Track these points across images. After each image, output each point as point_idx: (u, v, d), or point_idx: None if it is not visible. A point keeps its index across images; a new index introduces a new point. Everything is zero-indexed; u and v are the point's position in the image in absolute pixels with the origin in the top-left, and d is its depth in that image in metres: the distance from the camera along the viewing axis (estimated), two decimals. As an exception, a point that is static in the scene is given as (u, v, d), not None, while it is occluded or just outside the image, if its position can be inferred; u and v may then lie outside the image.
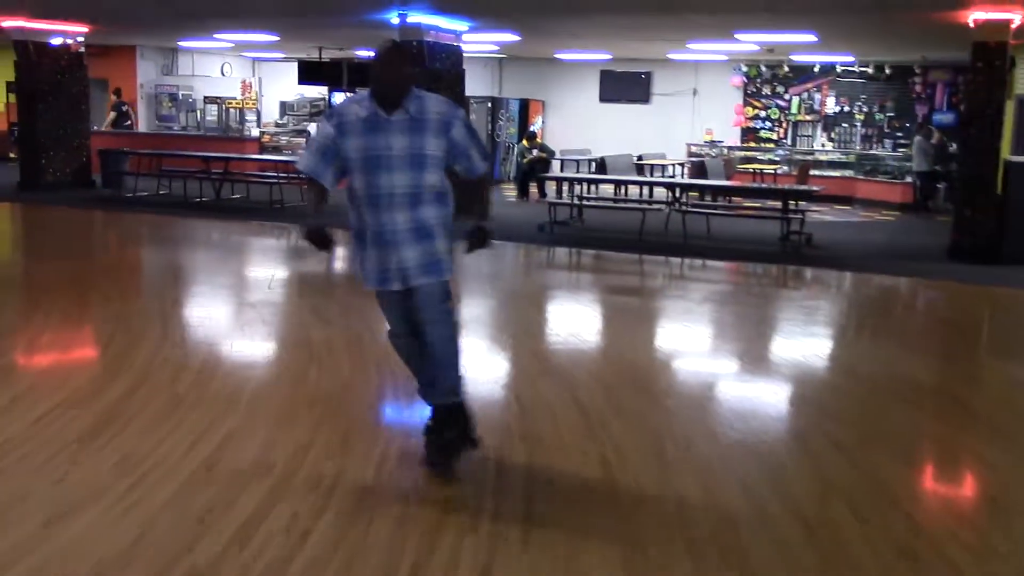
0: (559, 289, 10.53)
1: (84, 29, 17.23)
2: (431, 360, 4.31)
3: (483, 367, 6.33)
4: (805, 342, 7.68)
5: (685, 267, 11.34)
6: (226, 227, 13.61)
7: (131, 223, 14.15)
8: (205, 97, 22.04)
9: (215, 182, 16.01)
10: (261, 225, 13.66)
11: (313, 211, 4.38)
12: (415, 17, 13.65)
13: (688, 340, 7.66)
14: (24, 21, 16.30)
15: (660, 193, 14.74)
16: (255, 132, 20.93)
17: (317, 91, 23.29)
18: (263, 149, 20.05)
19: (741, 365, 6.92)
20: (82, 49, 17.49)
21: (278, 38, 18.97)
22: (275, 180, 15.56)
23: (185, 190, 16.09)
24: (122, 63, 22.74)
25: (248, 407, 5.26)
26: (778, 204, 13.60)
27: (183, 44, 22.00)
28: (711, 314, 8.91)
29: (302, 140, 20.07)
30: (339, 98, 21.81)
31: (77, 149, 17.49)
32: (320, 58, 20.91)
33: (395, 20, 13.82)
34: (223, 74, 24.35)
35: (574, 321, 8.34)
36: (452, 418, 4.38)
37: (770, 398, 6.07)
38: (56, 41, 16.91)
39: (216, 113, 21.65)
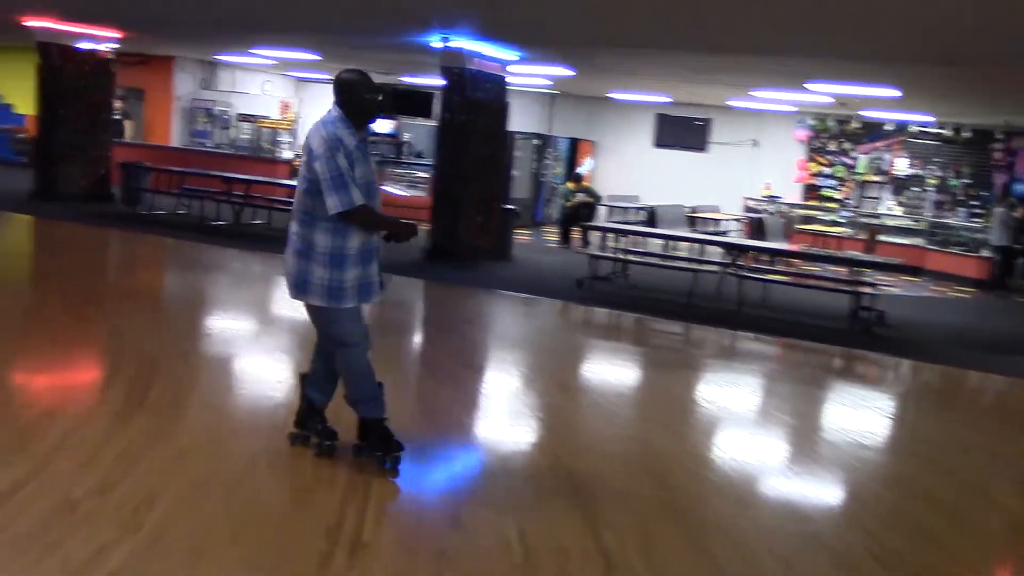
0: (591, 360, 9.18)
1: (116, 35, 16.33)
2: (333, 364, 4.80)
3: (481, 461, 5.06)
4: (884, 462, 6.28)
5: (738, 341, 9.96)
6: (233, 257, 12.48)
7: (131, 246, 13.11)
8: (239, 115, 21.08)
9: (235, 205, 14.93)
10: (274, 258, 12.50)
11: (396, 219, 4.82)
12: (458, 42, 12.51)
13: (732, 440, 6.28)
14: (51, 22, 15.42)
15: (713, 249, 13.40)
16: (287, 154, 19.89)
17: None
18: (293, 173, 18.99)
19: (791, 486, 5.54)
20: (110, 56, 16.57)
21: (320, 58, 17.97)
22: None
23: (203, 212, 15.03)
24: (159, 74, 21.94)
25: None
26: (844, 272, 12.17)
27: (222, 58, 21.11)
28: (767, 408, 7.53)
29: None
30: (385, 125, 20.84)
31: (96, 160, 16.53)
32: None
33: (437, 44, 12.69)
34: (263, 92, 23.46)
35: (600, 404, 7.02)
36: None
37: (815, 547, 4.67)
38: (83, 45, 16.00)
39: (249, 132, 20.67)
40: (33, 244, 13.18)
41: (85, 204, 15.85)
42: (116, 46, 17.98)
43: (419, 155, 21.18)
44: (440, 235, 13.12)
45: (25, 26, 15.62)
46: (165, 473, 4.52)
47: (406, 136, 21.54)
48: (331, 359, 4.74)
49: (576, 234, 16.92)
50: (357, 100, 4.47)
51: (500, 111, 13.52)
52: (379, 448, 4.74)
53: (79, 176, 16.22)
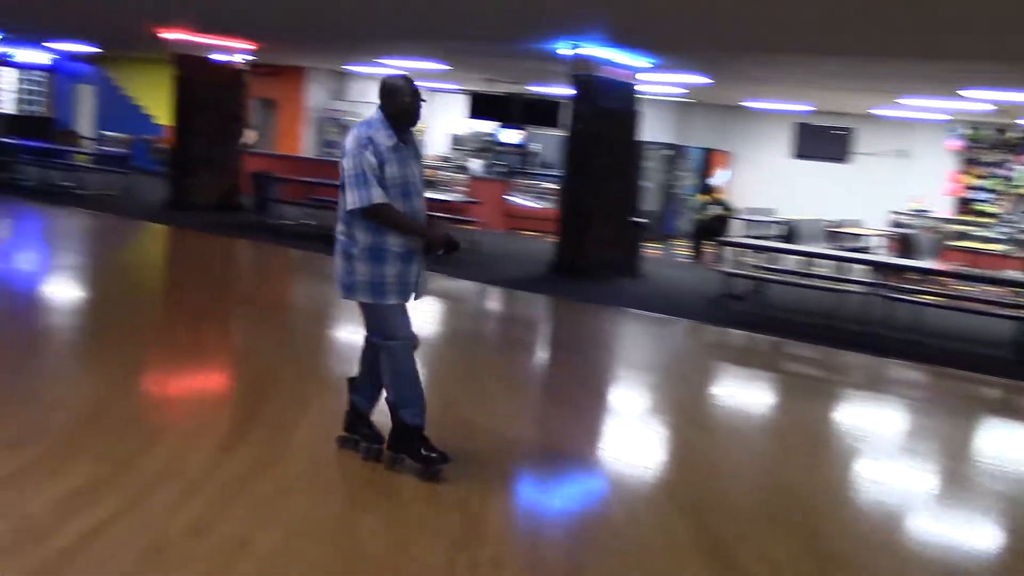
0: (726, 387, 8.54)
1: (250, 46, 16.52)
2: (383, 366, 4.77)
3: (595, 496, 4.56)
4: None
5: (886, 369, 9.15)
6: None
7: (256, 257, 13.10)
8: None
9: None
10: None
11: (422, 224, 4.69)
12: (588, 49, 12.04)
13: (885, 487, 5.58)
14: (187, 34, 15.67)
15: (856, 267, 12.53)
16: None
17: (488, 126, 22.10)
18: (420, 183, 18.85)
19: (953, 536, 4.84)
20: (244, 67, 16.76)
21: (448, 68, 17.79)
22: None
23: (328, 222, 14.98)
24: (291, 85, 22.21)
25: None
26: (1004, 294, 11.16)
27: (350, 68, 21.21)
28: (923, 447, 6.77)
29: (463, 177, 18.79)
30: (512, 135, 20.54)
31: (229, 171, 16.73)
32: (491, 91, 19.67)
33: (566, 52, 12.25)
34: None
35: (737, 440, 6.40)
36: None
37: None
38: (218, 57, 16.23)
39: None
40: (163, 253, 13.36)
41: (216, 214, 16.04)
42: (249, 57, 18.26)
43: (547, 165, 20.80)
44: (567, 248, 12.67)
45: (162, 38, 15.93)
46: (263, 515, 4.17)
47: (534, 146, 21.18)
48: (375, 365, 4.76)
49: (709, 249, 16.20)
50: (398, 104, 4.54)
51: (630, 120, 12.99)
52: (420, 461, 4.68)
53: (211, 186, 16.44)
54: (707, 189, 17.24)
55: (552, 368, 8.44)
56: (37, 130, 24.96)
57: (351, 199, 4.48)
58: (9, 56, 26.83)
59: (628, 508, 4.83)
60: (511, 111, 18.90)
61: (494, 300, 11.46)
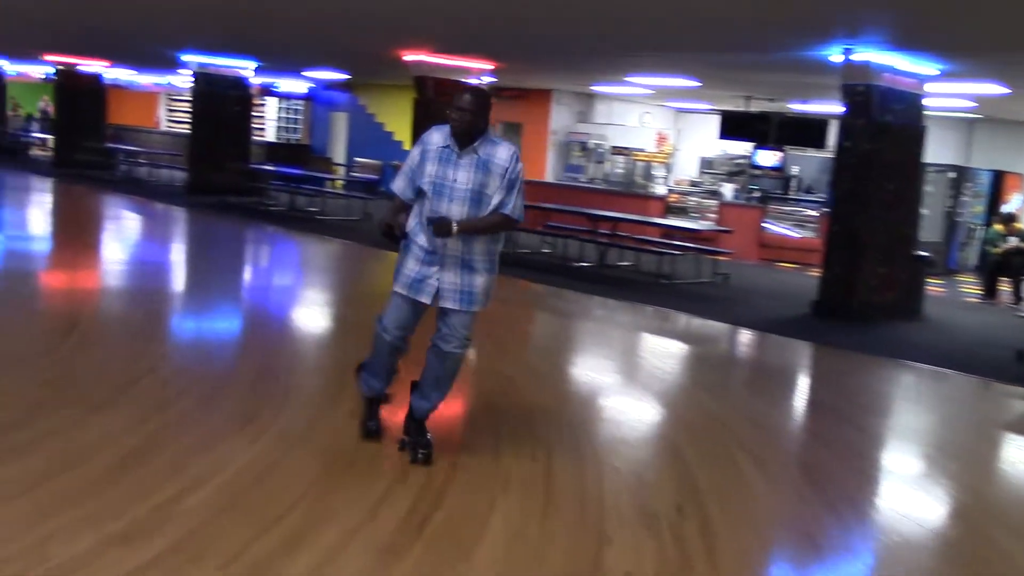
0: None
1: (490, 66, 15.86)
2: (437, 368, 4.81)
3: None
4: None
5: None
6: (595, 305, 11.11)
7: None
8: (612, 148, 20.00)
9: (600, 246, 13.69)
10: (633, 308, 10.98)
11: (389, 216, 4.92)
12: (865, 54, 10.33)
13: None
14: (427, 55, 15.20)
15: None
16: (661, 190, 18.46)
17: (742, 147, 20.44)
18: (668, 210, 17.51)
19: None
20: (484, 87, 16.09)
21: (699, 84, 16.40)
22: (667, 250, 12.89)
23: (566, 251, 13.95)
24: (537, 107, 21.52)
25: None
26: None
27: (599, 89, 20.21)
28: None
29: (712, 202, 17.28)
30: (769, 157, 18.85)
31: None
32: (747, 109, 18.07)
33: (837, 58, 10.59)
34: (641, 124, 22.32)
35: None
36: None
37: None
38: (460, 78, 15.65)
39: (623, 166, 19.51)
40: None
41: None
42: (492, 79, 17.64)
43: (808, 190, 18.87)
44: (834, 286, 10.93)
45: (404, 61, 15.55)
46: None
47: (794, 169, 19.30)
48: (440, 359, 4.83)
49: (1006, 288, 13.84)
50: (448, 117, 4.63)
51: (914, 138, 11.08)
52: (411, 444, 4.88)
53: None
54: (1004, 218, 14.78)
55: (808, 438, 6.84)
56: (294, 157, 25.77)
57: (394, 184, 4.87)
58: (273, 86, 27.98)
59: None
60: (768, 131, 17.22)
61: (744, 346, 9.94)
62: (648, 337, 9.92)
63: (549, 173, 21.32)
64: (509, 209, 4.64)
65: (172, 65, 21.29)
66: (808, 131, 17.44)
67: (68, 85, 25.11)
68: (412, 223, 4.74)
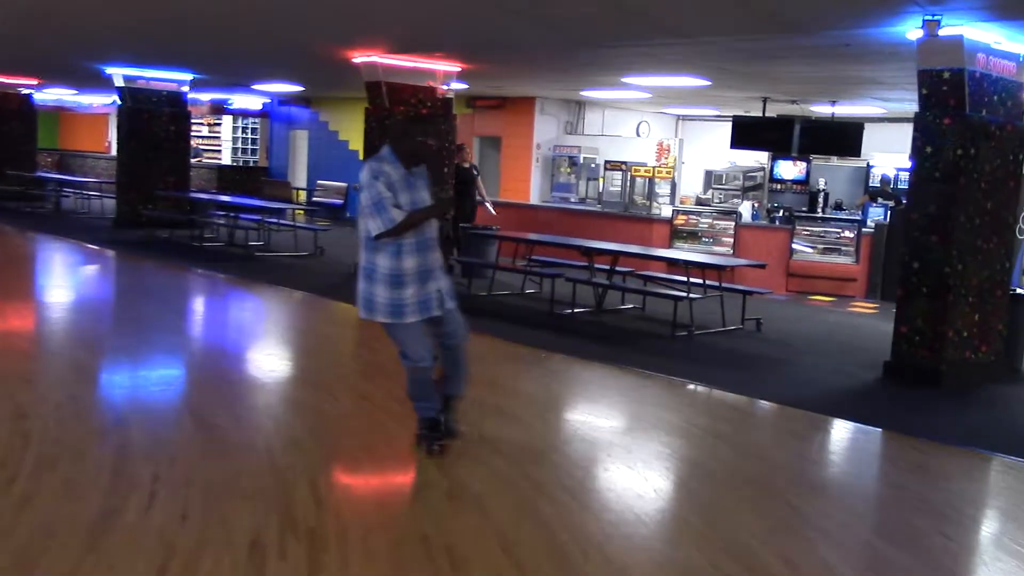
0: None
1: (455, 68, 13.10)
2: (457, 360, 5.39)
3: None
4: None
5: None
6: (595, 376, 8.27)
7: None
8: (607, 162, 17.22)
9: (596, 287, 10.90)
10: (643, 382, 8.12)
11: (423, 209, 5.05)
12: (953, 28, 7.58)
13: None
14: (379, 56, 12.43)
15: None
16: (666, 210, 15.68)
17: (753, 158, 17.71)
18: (674, 235, 14.72)
19: None
20: (450, 94, 13.33)
21: (708, 83, 13.68)
22: (684, 293, 10.10)
23: (553, 292, 11.15)
24: (518, 118, 18.77)
25: None
26: None
27: (588, 94, 17.44)
28: None
29: (728, 224, 14.51)
30: (790, 169, 16.10)
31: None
32: (763, 113, 15.36)
33: (915, 34, 7.84)
34: (638, 134, 19.56)
35: None
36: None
37: None
38: (417, 82, 12.89)
39: (620, 183, 16.73)
40: (348, 341, 9.88)
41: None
42: (461, 85, 14.90)
43: (838, 206, 16.15)
44: (912, 342, 8.13)
45: (354, 64, 12.79)
46: None
47: (821, 183, 16.57)
48: (451, 362, 5.37)
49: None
50: (408, 146, 5.07)
51: (1017, 141, 8.30)
52: (426, 437, 5.32)
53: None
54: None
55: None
56: (248, 181, 22.97)
57: (374, 226, 4.90)
58: (227, 103, 25.20)
59: None
60: (790, 138, 14.51)
61: (784, 438, 7.06)
62: (674, 441, 7.02)
63: (534, 194, 18.54)
64: None
65: (100, 82, 18.54)
66: (838, 137, 14.77)
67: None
68: (388, 259, 4.98)
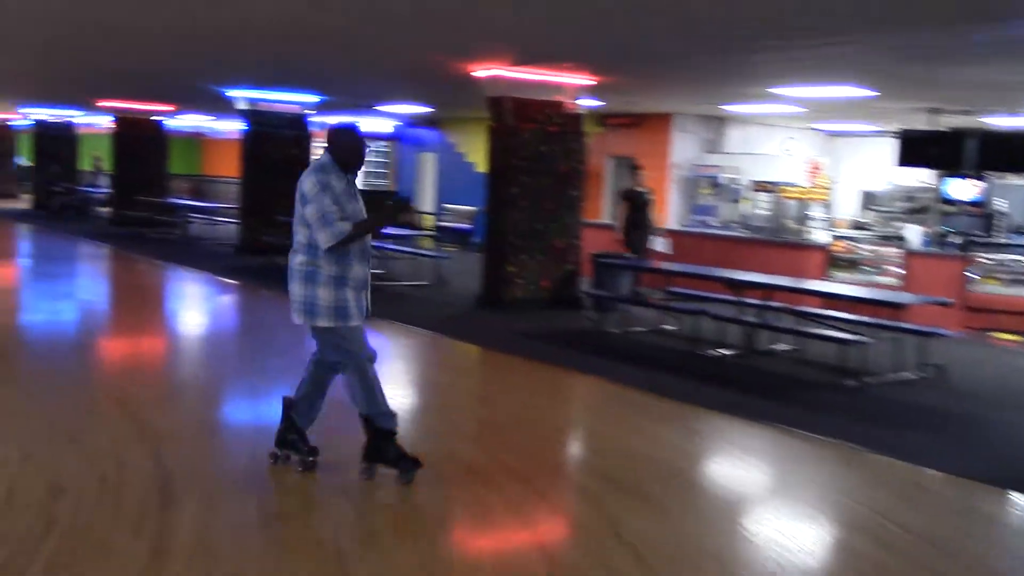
0: None
1: (589, 82, 11.99)
2: (324, 385, 5.41)
3: None
4: None
5: None
6: (756, 441, 6.96)
7: (586, 408, 8.21)
8: (754, 183, 15.75)
9: (745, 325, 9.54)
10: (815, 444, 6.77)
11: (368, 219, 5.10)
12: None
13: None
14: (503, 69, 11.43)
15: None
16: (822, 236, 14.12)
17: (916, 177, 15.94)
18: (832, 263, 13.16)
19: None
20: (580, 109, 12.23)
21: (875, 94, 12.16)
22: (849, 332, 8.64)
23: (697, 330, 9.85)
24: (653, 136, 17.51)
25: None
26: None
27: (730, 109, 16.04)
28: None
29: (891, 251, 12.87)
30: (961, 188, 14.31)
31: (561, 252, 12.22)
32: (932, 127, 13.65)
33: None
34: (784, 152, 18.00)
35: None
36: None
37: None
38: (546, 96, 11.83)
39: (769, 205, 15.24)
40: (461, 392, 8.81)
41: (545, 314, 11.53)
42: (594, 102, 13.77)
43: (1020, 230, 14.26)
44: None
45: (475, 78, 11.83)
46: None
47: (1001, 204, 14.71)
48: (323, 384, 5.33)
49: None
50: (349, 151, 5.07)
51: None
52: (397, 465, 5.12)
53: (535, 274, 12.00)
54: None
55: None
56: (372, 208, 22.38)
57: (323, 238, 4.89)
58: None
59: None
60: (964, 154, 12.78)
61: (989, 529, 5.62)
62: (862, 542, 5.67)
63: (672, 217, 17.21)
64: None
65: (231, 107, 18.20)
66: (1021, 152, 12.93)
67: (126, 134, 22.45)
68: (333, 264, 4.96)
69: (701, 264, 11.81)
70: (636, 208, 12.22)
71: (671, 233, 12.96)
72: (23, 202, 29.55)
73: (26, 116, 27.63)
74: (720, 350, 9.48)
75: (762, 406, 7.50)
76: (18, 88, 20.72)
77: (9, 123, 31.45)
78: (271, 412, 5.64)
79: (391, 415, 5.12)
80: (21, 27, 10.44)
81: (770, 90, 12.68)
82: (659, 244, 12.70)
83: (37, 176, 27.56)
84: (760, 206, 15.41)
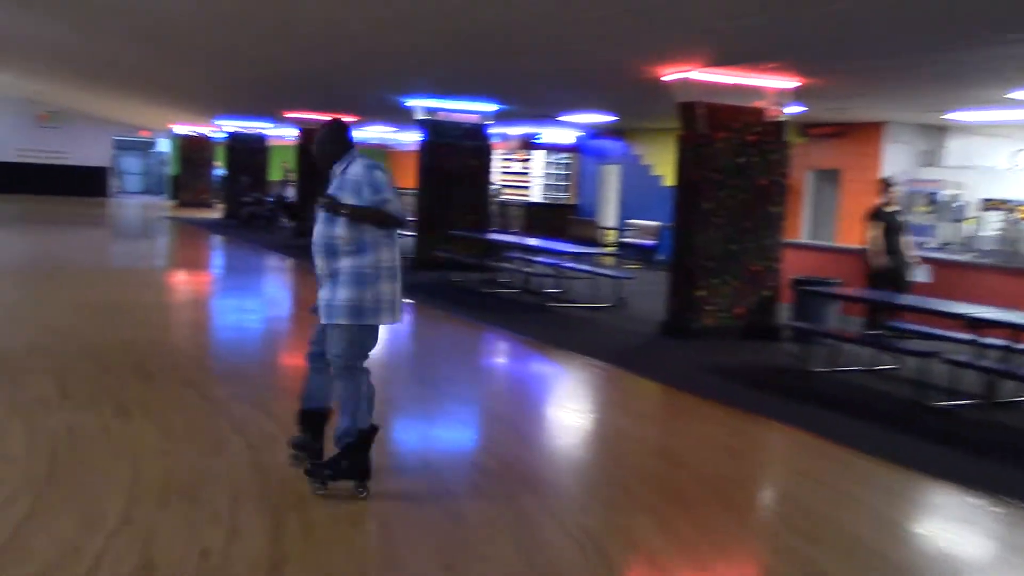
0: None
1: (792, 83, 10.63)
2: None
3: None
4: None
5: None
6: (983, 527, 5.52)
7: (774, 462, 6.89)
8: (985, 201, 13.82)
9: (985, 371, 7.95)
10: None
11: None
12: None
13: None
14: (695, 70, 10.22)
15: None
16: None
17: None
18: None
19: None
20: (782, 115, 10.86)
21: None
22: None
23: (925, 374, 8.33)
24: (862, 147, 15.83)
25: None
26: None
27: (953, 118, 14.16)
28: None
29: None
30: None
31: (758, 276, 10.88)
32: None
33: None
34: (1013, 165, 15.89)
35: None
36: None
37: None
38: (743, 102, 10.55)
39: (1001, 226, 13.31)
40: (636, 443, 7.67)
41: (738, 347, 10.23)
42: (798, 108, 12.34)
43: None
44: None
45: (664, 82, 10.69)
46: None
47: None
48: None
49: None
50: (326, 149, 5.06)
51: None
52: (352, 473, 4.91)
53: (727, 300, 10.71)
54: None
55: None
56: (554, 220, 21.55)
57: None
58: (535, 136, 24.04)
59: None
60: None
61: None
62: None
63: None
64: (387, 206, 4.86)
65: (406, 117, 17.75)
66: None
67: (308, 143, 22.48)
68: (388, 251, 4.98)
69: (925, 293, 10.21)
70: (888, 231, 10.66)
71: (927, 260, 11.16)
72: (216, 211, 30.45)
73: (221, 128, 28.44)
74: (953, 401, 7.93)
75: (1008, 477, 6.01)
76: (215, 101, 21.11)
77: (208, 136, 32.62)
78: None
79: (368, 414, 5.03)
80: (213, 38, 10.20)
81: (1008, 94, 10.93)
82: (920, 274, 10.99)
83: (228, 187, 28.32)
84: (990, 227, 13.48)
